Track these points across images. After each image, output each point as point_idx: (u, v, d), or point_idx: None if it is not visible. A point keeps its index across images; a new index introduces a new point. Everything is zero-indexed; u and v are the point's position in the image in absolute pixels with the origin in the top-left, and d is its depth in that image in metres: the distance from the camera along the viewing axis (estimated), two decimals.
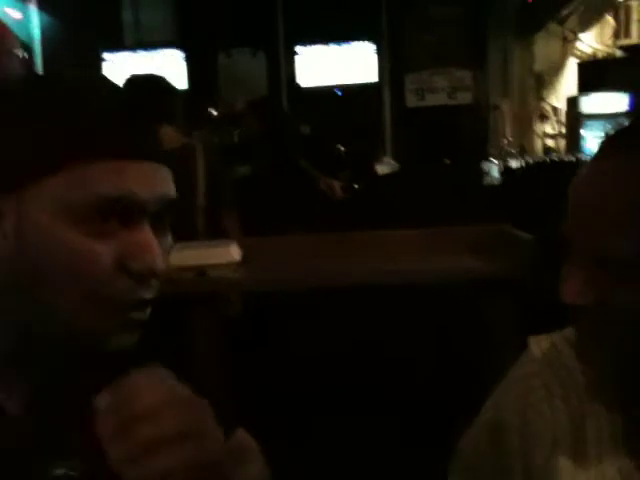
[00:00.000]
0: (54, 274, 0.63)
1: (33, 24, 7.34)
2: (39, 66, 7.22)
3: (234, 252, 2.25)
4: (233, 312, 2.71)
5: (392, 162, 6.82)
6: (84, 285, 0.63)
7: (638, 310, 0.67)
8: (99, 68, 8.10)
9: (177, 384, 0.59)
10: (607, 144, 0.73)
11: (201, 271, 2.13)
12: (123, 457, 0.55)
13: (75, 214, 0.62)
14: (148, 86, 2.70)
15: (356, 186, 5.07)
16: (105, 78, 0.72)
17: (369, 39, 8.34)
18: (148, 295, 0.65)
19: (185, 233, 2.48)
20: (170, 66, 8.01)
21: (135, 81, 2.78)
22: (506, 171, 5.75)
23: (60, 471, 0.67)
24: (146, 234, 0.64)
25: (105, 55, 8.31)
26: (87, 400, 0.60)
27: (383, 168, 6.31)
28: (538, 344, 0.86)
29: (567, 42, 7.86)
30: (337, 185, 3.84)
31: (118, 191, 0.62)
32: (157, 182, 0.66)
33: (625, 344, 0.70)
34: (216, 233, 2.64)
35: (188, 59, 8.37)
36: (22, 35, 7.15)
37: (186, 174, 2.61)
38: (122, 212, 0.63)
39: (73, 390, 0.69)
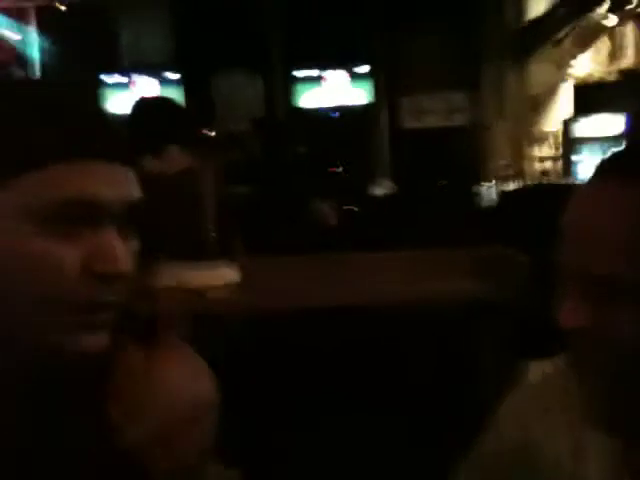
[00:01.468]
0: (17, 281, 0.62)
1: (32, 45, 7.38)
2: None
3: (232, 273, 2.25)
4: (233, 334, 2.69)
5: (389, 183, 6.85)
6: (49, 288, 0.62)
7: (638, 334, 0.68)
8: (97, 89, 8.14)
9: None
10: (602, 168, 0.73)
11: (199, 292, 2.13)
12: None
13: (40, 218, 0.61)
14: (156, 108, 2.71)
15: (355, 209, 5.07)
16: (67, 84, 0.72)
17: (365, 62, 8.40)
18: (113, 298, 0.65)
19: (195, 256, 2.48)
20: (166, 88, 8.06)
21: (143, 103, 2.80)
22: (502, 194, 5.76)
23: None
24: (111, 236, 0.64)
25: (103, 77, 8.36)
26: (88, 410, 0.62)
27: (380, 189, 6.34)
28: (539, 368, 0.86)
29: (562, 65, 7.92)
30: (331, 212, 3.82)
31: (83, 194, 0.62)
32: (122, 184, 0.65)
33: (624, 368, 0.70)
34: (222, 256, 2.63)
35: (184, 80, 8.42)
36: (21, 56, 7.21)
37: (195, 196, 2.61)
38: (87, 214, 0.63)
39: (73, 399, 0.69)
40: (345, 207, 5.04)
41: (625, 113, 6.86)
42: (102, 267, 0.63)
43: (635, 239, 0.67)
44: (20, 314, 0.63)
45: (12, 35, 6.94)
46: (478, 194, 5.77)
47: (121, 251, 0.64)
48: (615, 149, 0.75)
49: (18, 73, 6.86)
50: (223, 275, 2.22)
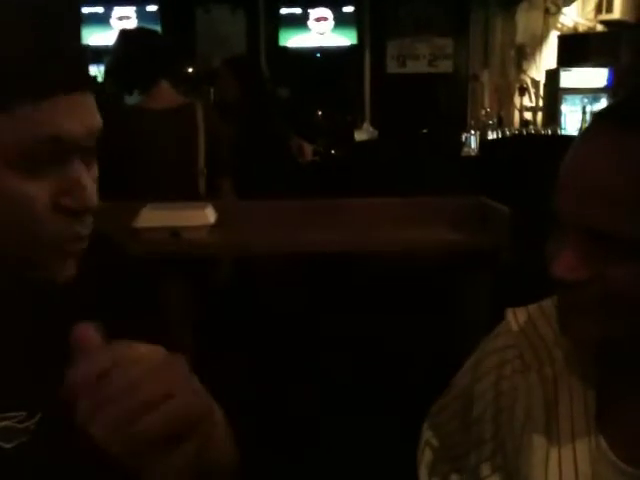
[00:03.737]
0: None
1: None
2: None
3: (209, 214, 2.22)
4: (220, 280, 2.67)
5: (371, 129, 6.79)
6: (22, 224, 0.63)
7: (635, 286, 0.67)
8: (78, 23, 7.89)
9: (150, 347, 0.57)
10: (600, 119, 0.71)
11: (175, 232, 2.11)
12: (105, 433, 0.52)
13: (8, 158, 0.61)
14: (141, 40, 2.59)
15: (333, 152, 5.04)
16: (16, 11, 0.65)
17: (351, 2, 8.22)
18: (84, 230, 0.66)
19: (186, 197, 2.43)
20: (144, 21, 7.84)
21: (127, 35, 2.66)
22: (483, 142, 5.74)
23: (4, 423, 0.67)
24: (78, 170, 0.64)
25: (82, 9, 8.10)
26: (50, 351, 0.62)
27: (361, 134, 6.28)
28: (515, 316, 0.86)
29: (549, 14, 7.82)
30: (307, 147, 3.78)
31: (51, 132, 0.61)
32: (87, 115, 0.65)
33: (616, 321, 0.70)
34: (212, 197, 2.57)
35: (164, 14, 8.17)
36: None
37: (188, 135, 2.53)
38: (56, 151, 0.63)
39: (35, 340, 0.69)
40: (323, 150, 5.01)
41: (609, 66, 6.83)
42: (71, 203, 0.64)
43: (635, 192, 0.65)
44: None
45: None
46: (460, 142, 5.74)
47: (89, 185, 0.65)
48: (599, 101, 0.74)
49: None
50: (200, 216, 2.19)
